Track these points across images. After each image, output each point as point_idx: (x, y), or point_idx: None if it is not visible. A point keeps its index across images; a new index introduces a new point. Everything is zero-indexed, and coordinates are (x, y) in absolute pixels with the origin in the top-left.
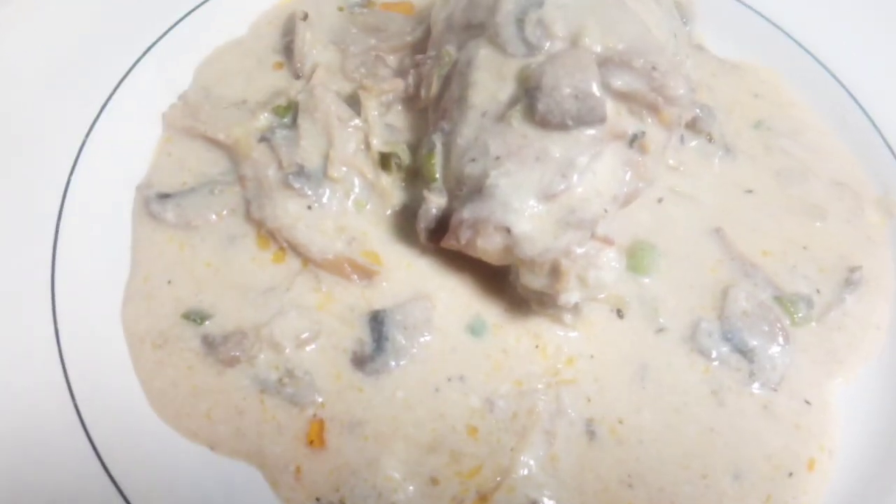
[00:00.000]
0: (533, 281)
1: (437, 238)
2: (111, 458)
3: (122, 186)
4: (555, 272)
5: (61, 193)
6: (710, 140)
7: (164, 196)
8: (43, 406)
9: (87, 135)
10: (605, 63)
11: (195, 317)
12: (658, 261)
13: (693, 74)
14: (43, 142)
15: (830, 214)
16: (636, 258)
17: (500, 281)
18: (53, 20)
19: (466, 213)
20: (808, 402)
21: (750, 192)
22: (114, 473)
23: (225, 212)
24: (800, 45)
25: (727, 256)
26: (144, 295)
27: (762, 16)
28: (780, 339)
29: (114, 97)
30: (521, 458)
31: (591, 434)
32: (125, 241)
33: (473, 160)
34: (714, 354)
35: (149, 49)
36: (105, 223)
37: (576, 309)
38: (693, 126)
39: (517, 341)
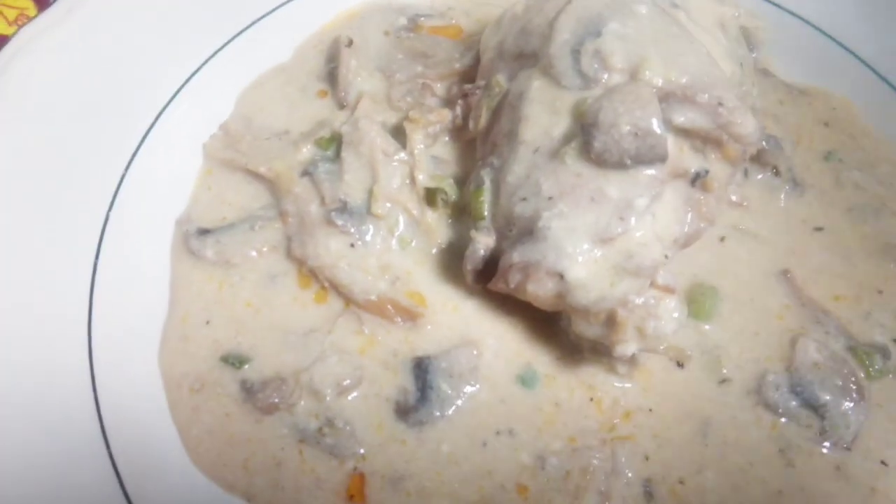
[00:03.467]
0: (587, 330)
1: (484, 280)
2: None
3: (161, 221)
4: (611, 322)
5: (100, 228)
6: (776, 173)
7: (204, 231)
8: (76, 452)
9: (127, 167)
10: (667, 98)
11: (234, 360)
12: (720, 306)
13: (758, 103)
14: (82, 174)
15: None
16: (696, 303)
17: (552, 326)
18: (93, 49)
19: (516, 255)
20: (884, 464)
21: (820, 229)
22: None
23: (265, 249)
24: (874, 70)
25: (795, 301)
26: (182, 336)
27: (833, 39)
28: (854, 394)
29: (154, 127)
30: None
31: (649, 496)
32: (164, 279)
33: (524, 199)
34: (782, 409)
35: (191, 76)
36: (144, 259)
37: (632, 360)
38: (758, 158)
39: (570, 393)
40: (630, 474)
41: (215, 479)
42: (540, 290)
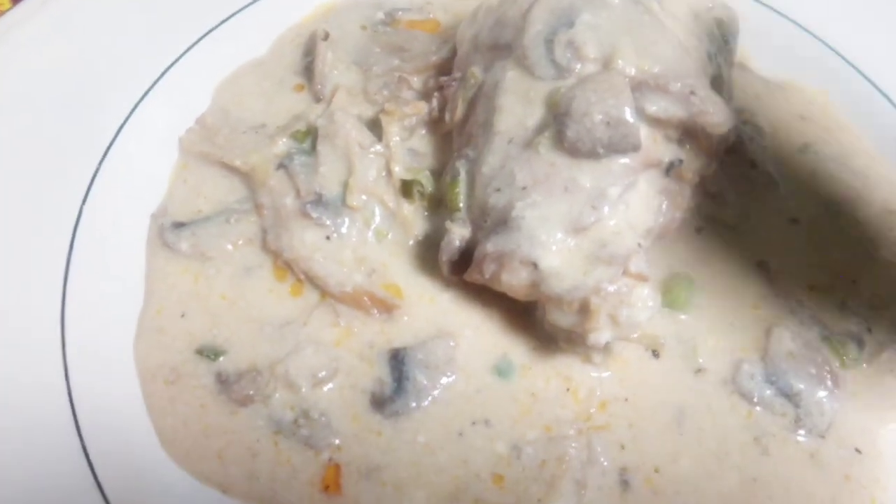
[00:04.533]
0: (561, 318)
1: (460, 271)
2: (117, 498)
3: (136, 214)
4: (584, 310)
5: (74, 221)
6: (752, 166)
7: (179, 225)
8: (48, 442)
9: (102, 160)
10: (640, 87)
11: (209, 352)
12: (696, 296)
13: (735, 96)
14: (55, 168)
15: (882, 246)
16: (672, 293)
17: (529, 317)
18: (68, 42)
19: (491, 246)
20: (858, 451)
21: (795, 221)
22: None
23: (241, 241)
24: (850, 64)
25: (771, 292)
26: (157, 328)
27: (810, 33)
28: (829, 382)
29: (130, 120)
30: None
31: (624, 484)
32: (139, 272)
33: (499, 190)
34: (757, 398)
35: (167, 70)
36: (118, 252)
37: (607, 349)
38: (735, 151)
39: (547, 383)
40: (606, 463)
41: (190, 470)
42: (514, 280)
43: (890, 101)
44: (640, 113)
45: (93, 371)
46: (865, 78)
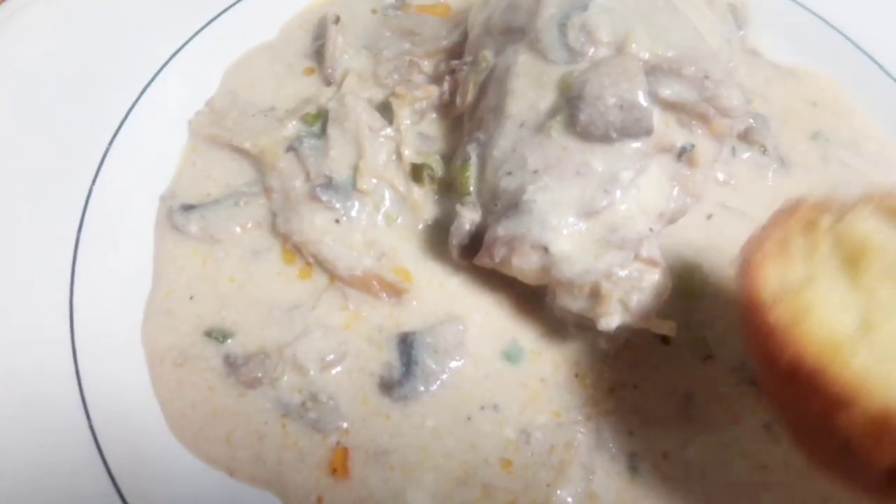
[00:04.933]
0: (571, 303)
1: (469, 255)
2: (125, 481)
3: (145, 197)
4: (595, 295)
5: (83, 203)
6: (763, 152)
7: (189, 207)
8: (56, 424)
9: (111, 142)
10: (653, 71)
11: (217, 335)
12: (706, 282)
13: (746, 82)
14: (65, 149)
15: None
16: (682, 279)
17: (539, 302)
18: (77, 23)
19: (501, 229)
20: None
21: None
22: (127, 497)
23: (250, 224)
24: (861, 50)
25: None
26: (165, 311)
27: (822, 19)
28: None
29: (139, 103)
30: (558, 493)
31: (633, 470)
32: (147, 254)
33: (510, 173)
34: None
35: (176, 52)
36: (127, 235)
37: (617, 334)
38: (745, 137)
39: (556, 369)
40: (614, 449)
41: (197, 452)
42: (525, 264)
43: None
44: (654, 97)
45: (101, 354)
46: (877, 64)
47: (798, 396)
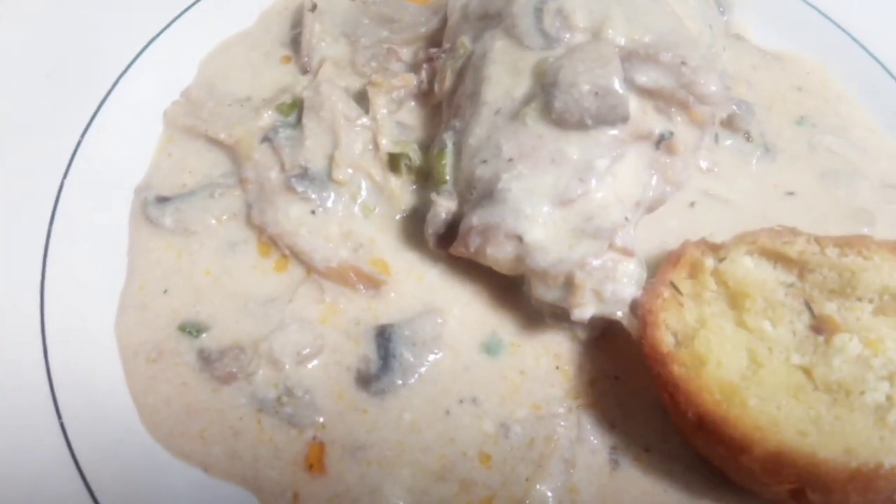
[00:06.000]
0: (545, 293)
1: (446, 245)
2: (96, 479)
3: (119, 188)
4: (569, 285)
5: (55, 194)
6: (747, 138)
7: (163, 199)
8: (25, 419)
9: (84, 133)
10: (630, 57)
11: (191, 329)
12: None
13: (730, 67)
14: (36, 139)
15: (879, 219)
16: None
17: (517, 293)
18: (50, 11)
19: (476, 219)
20: None
21: (791, 194)
22: (97, 495)
23: (225, 216)
24: (848, 34)
25: None
26: (139, 305)
27: (807, 3)
28: None
29: (112, 93)
30: (538, 488)
31: (614, 463)
32: (121, 247)
33: (485, 161)
34: None
35: (151, 41)
36: (100, 227)
37: (593, 325)
38: (729, 124)
39: (536, 361)
40: (595, 442)
41: (171, 448)
42: (499, 254)
43: (889, 73)
44: (630, 83)
45: (73, 348)
46: (865, 49)
47: (707, 442)
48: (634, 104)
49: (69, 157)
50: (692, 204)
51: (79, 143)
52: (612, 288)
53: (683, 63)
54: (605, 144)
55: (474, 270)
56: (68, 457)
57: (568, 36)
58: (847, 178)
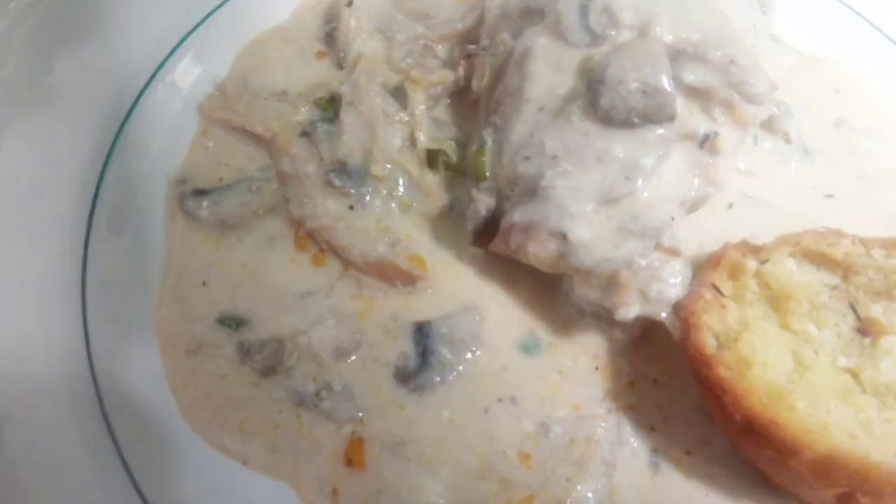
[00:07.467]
0: (588, 293)
1: (485, 241)
2: (138, 469)
3: (156, 181)
4: (613, 284)
5: (94, 188)
6: (786, 140)
7: (200, 192)
8: (71, 415)
9: (122, 126)
10: (678, 55)
11: (230, 322)
12: None
13: (768, 69)
14: (75, 133)
15: None
16: None
17: (556, 292)
18: (87, 6)
19: (518, 215)
20: None
21: (830, 196)
22: (141, 485)
23: (262, 210)
24: (886, 36)
25: None
26: (178, 297)
27: (845, 5)
28: None
29: (150, 87)
30: (578, 489)
31: (655, 466)
32: (159, 240)
33: (527, 158)
34: None
35: (187, 36)
36: (139, 220)
37: (635, 326)
38: (768, 125)
39: (574, 361)
40: (636, 444)
41: (211, 441)
42: (541, 251)
43: None
44: (678, 82)
45: (113, 340)
46: None
47: (754, 445)
48: (680, 103)
49: (107, 151)
50: (730, 205)
51: (116, 137)
52: (658, 288)
53: (732, 62)
54: (652, 143)
55: (512, 269)
56: (112, 449)
57: (614, 33)
58: (886, 180)
